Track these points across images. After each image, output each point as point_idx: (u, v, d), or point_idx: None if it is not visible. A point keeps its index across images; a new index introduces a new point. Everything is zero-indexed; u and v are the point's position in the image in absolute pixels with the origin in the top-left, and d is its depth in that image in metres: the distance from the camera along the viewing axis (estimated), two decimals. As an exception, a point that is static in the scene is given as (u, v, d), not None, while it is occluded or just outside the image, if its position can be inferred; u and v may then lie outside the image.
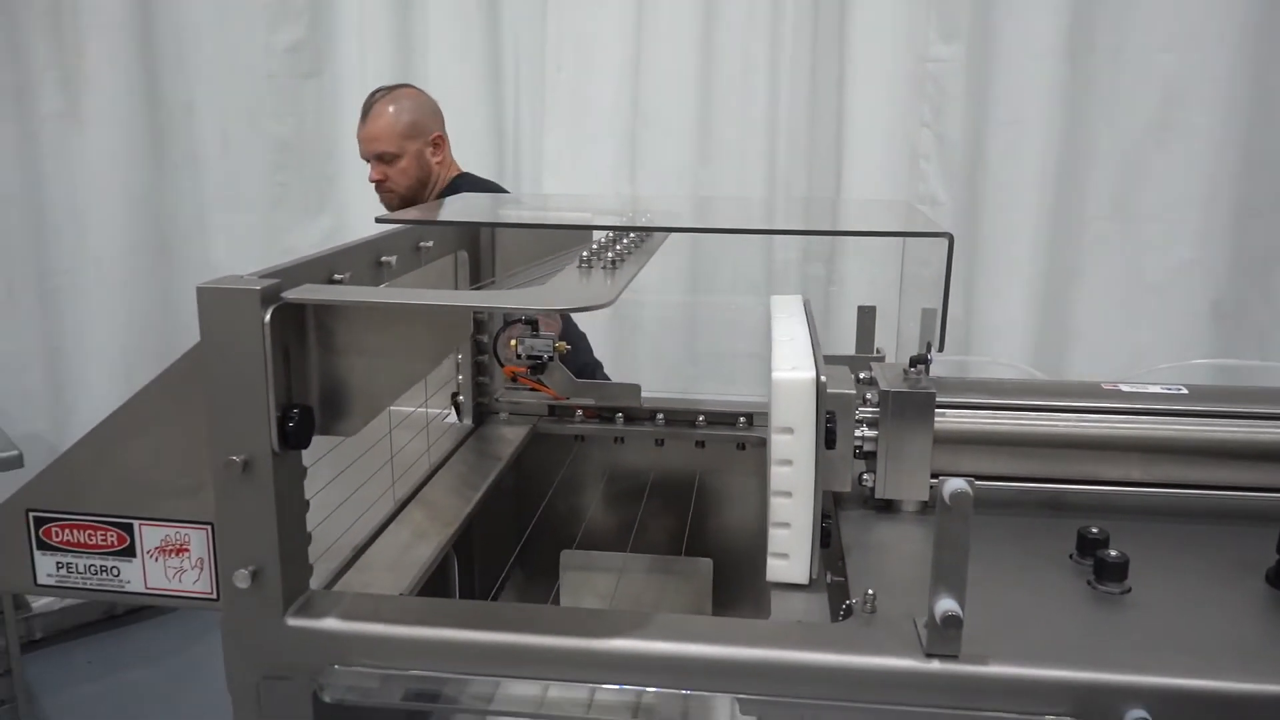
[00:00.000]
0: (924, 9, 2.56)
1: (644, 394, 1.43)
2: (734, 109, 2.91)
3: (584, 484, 1.41)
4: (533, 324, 1.37)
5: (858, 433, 1.04)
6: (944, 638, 0.76)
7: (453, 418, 1.43)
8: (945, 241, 1.02)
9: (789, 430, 0.90)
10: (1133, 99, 2.43)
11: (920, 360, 1.07)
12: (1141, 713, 0.75)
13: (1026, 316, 2.56)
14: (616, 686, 0.78)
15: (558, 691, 0.80)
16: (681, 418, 1.41)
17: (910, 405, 1.01)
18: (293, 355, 0.80)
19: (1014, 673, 0.77)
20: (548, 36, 3.09)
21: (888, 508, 1.07)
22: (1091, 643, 0.80)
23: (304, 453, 0.84)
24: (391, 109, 2.32)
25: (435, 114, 2.47)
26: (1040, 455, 1.04)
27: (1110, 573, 0.89)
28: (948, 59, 2.54)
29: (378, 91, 2.27)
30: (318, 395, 0.83)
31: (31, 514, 0.89)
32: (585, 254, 0.92)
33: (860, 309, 1.39)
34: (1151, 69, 2.41)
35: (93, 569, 0.89)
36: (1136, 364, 2.18)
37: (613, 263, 0.92)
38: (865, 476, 1.05)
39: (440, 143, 2.38)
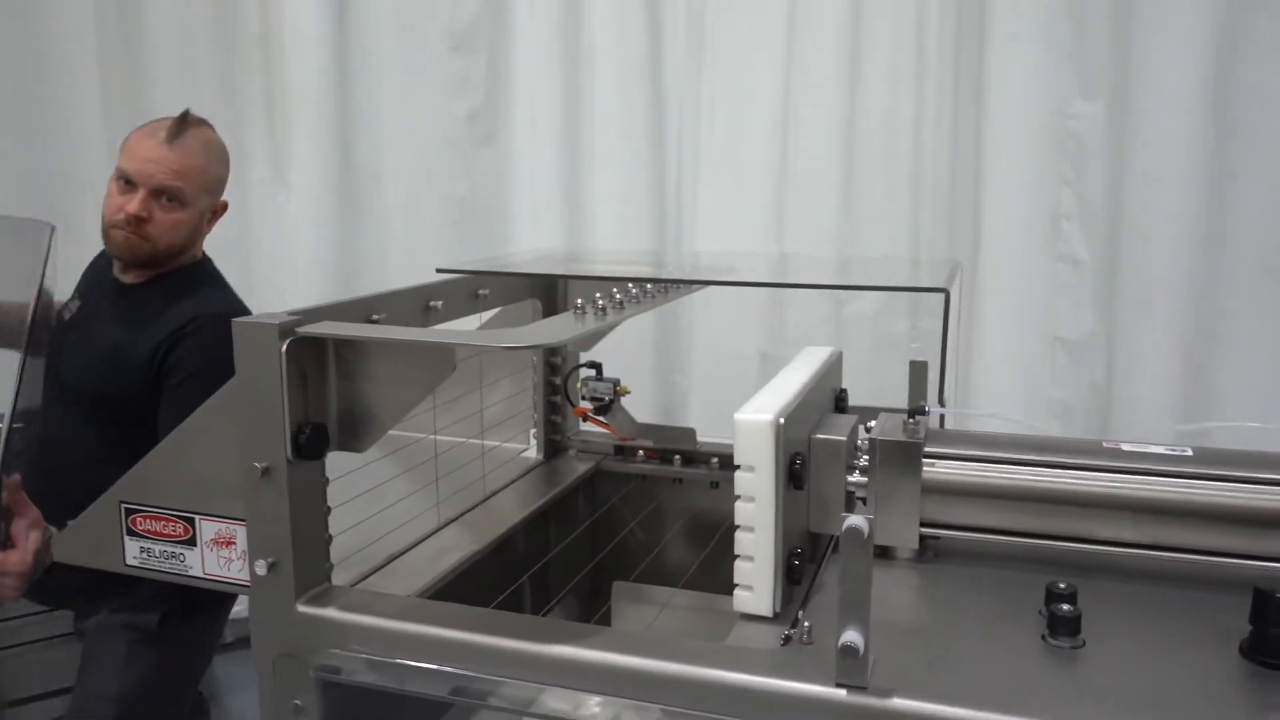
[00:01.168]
0: (1064, 65, 2.52)
1: (701, 439, 1.51)
2: (877, 168, 2.94)
3: (643, 521, 1.50)
4: (597, 368, 1.49)
5: (851, 479, 1.08)
6: (851, 668, 0.81)
7: (530, 451, 1.56)
8: (942, 297, 1.06)
9: (750, 468, 0.96)
10: (1280, 151, 2.30)
11: (918, 411, 1.10)
12: (1040, 759, 0.76)
13: (1168, 378, 2.44)
14: (547, 686, 0.86)
15: (511, 690, 0.90)
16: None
17: (897, 454, 1.05)
18: (311, 380, 0.95)
19: (917, 707, 0.80)
20: (702, 97, 3.25)
21: (884, 554, 1.10)
22: (1011, 690, 0.82)
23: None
24: (205, 148, 1.64)
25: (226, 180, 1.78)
26: (1031, 510, 1.04)
27: (1062, 626, 0.89)
28: (1088, 115, 2.49)
29: (190, 115, 1.62)
30: (335, 416, 0.98)
31: (123, 505, 1.08)
32: (580, 301, 1.03)
33: (912, 363, 1.41)
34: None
35: (165, 554, 1.07)
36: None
37: (603, 310, 1.02)
38: (858, 521, 1.09)
39: (217, 215, 1.72)
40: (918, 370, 1.43)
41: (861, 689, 0.81)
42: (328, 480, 1.01)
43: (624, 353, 3.14)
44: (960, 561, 1.08)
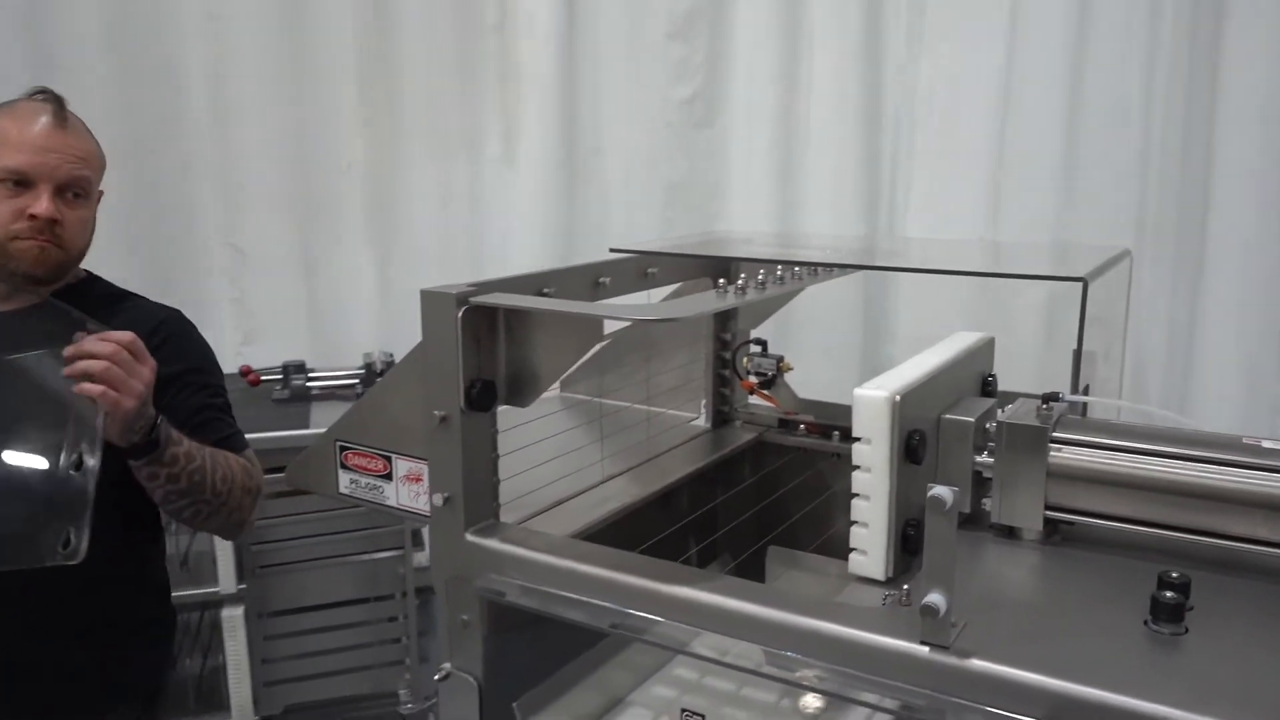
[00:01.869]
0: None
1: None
2: (1102, 153, 2.83)
3: (802, 492, 1.58)
4: (762, 344, 1.58)
5: (979, 459, 1.13)
6: (933, 627, 0.87)
7: (699, 420, 1.67)
8: (1080, 286, 1.08)
9: (866, 440, 1.03)
10: None
11: (1051, 398, 1.12)
12: (1105, 730, 0.80)
13: None
14: (661, 620, 0.98)
15: (632, 622, 1.02)
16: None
17: (1024, 437, 1.08)
18: (483, 342, 1.10)
19: (994, 670, 0.85)
20: (920, 79, 3.22)
21: (1010, 534, 1.13)
22: (1092, 664, 0.85)
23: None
24: (87, 129, 1.42)
25: None
26: (1158, 501, 1.05)
27: (1163, 612, 0.91)
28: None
29: (50, 93, 1.38)
30: (502, 374, 1.13)
31: (338, 443, 1.28)
32: (722, 281, 1.13)
33: (1074, 352, 1.42)
34: None
35: (368, 485, 1.26)
36: None
37: (743, 290, 1.12)
38: (985, 501, 1.13)
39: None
40: (1082, 359, 1.43)
41: (943, 648, 0.87)
42: (496, 430, 1.16)
43: (826, 331, 3.20)
44: (1085, 547, 1.10)
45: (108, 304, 1.46)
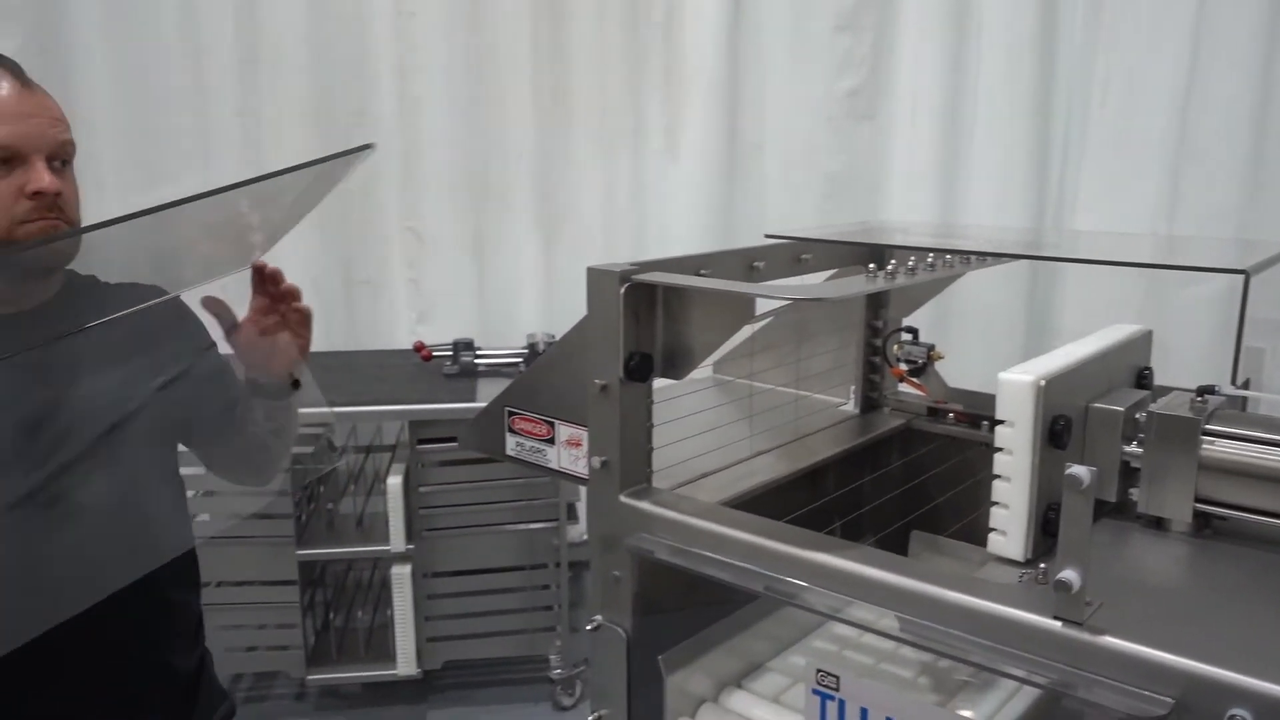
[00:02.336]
0: None
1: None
2: (1292, 146, 2.70)
3: (947, 479, 1.60)
4: (914, 332, 1.61)
5: (1127, 449, 1.13)
6: (1066, 602, 0.89)
7: (848, 405, 1.71)
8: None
9: (1008, 423, 1.06)
10: None
11: (1207, 390, 1.12)
12: (1243, 713, 0.81)
13: None
14: (805, 584, 1.03)
15: (772, 584, 1.07)
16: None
17: (1174, 428, 1.08)
18: (642, 318, 1.18)
19: (1127, 647, 0.87)
20: (1095, 72, 3.13)
21: (1157, 525, 1.13)
22: (1224, 648, 0.86)
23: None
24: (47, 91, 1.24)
25: None
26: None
27: (1310, 605, 0.91)
28: None
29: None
30: (659, 348, 1.20)
31: (506, 409, 1.39)
32: (872, 267, 1.17)
33: (1247, 349, 1.39)
34: None
35: (532, 449, 1.37)
36: None
37: (891, 275, 1.15)
38: (1132, 492, 1.13)
39: None
40: (1251, 356, 1.40)
41: (1076, 624, 0.89)
42: (652, 401, 1.24)
43: (986, 323, 3.15)
44: (1237, 541, 1.09)
45: (104, 292, 1.31)
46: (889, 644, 1.34)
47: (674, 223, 3.42)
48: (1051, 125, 3.29)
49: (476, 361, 2.89)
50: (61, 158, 1.21)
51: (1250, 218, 2.79)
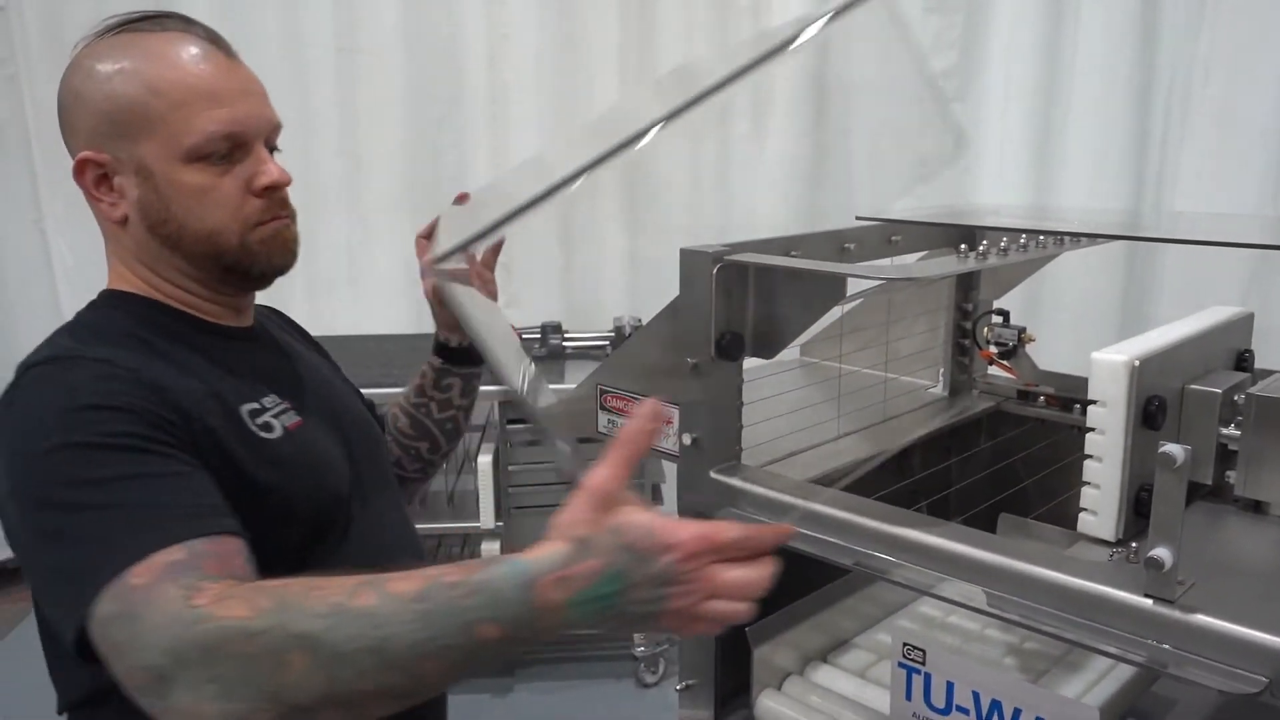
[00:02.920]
0: None
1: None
2: None
3: (1037, 462, 1.59)
4: (1005, 315, 1.60)
5: (1225, 431, 1.12)
6: (1157, 580, 0.90)
7: (937, 388, 1.71)
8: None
9: (1101, 403, 1.05)
10: None
11: (1308, 373, 1.10)
12: (1340, 693, 0.80)
13: None
14: (893, 560, 1.05)
15: (859, 559, 1.09)
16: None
17: (1272, 410, 1.07)
18: (734, 298, 1.21)
19: (1220, 626, 0.87)
20: (1198, 53, 3.04)
21: (1256, 508, 1.12)
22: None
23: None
24: None
25: None
26: None
27: None
28: None
29: (178, 16, 1.02)
30: (750, 327, 1.23)
31: (599, 386, 1.43)
32: (964, 247, 1.18)
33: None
34: None
35: (620, 427, 1.40)
36: None
37: (982, 255, 1.16)
38: (1229, 474, 1.12)
39: None
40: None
41: (1167, 602, 0.90)
42: (743, 380, 1.27)
43: (1081, 306, 3.09)
44: (1342, 526, 1.07)
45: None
46: (975, 625, 1.35)
47: (760, 206, 3.43)
48: (1151, 107, 3.21)
49: (564, 344, 2.94)
50: (273, 144, 1.05)
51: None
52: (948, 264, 1.13)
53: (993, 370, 1.67)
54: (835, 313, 1.63)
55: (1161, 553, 0.89)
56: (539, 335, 2.96)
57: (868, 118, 3.43)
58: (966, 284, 1.64)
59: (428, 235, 1.15)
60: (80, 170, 0.99)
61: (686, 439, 1.25)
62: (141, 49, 0.97)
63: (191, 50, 0.98)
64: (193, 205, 0.98)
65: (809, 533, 1.14)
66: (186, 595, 0.75)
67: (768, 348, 1.23)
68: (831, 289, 1.14)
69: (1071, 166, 3.28)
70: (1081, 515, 1.10)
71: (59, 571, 0.83)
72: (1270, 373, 1.23)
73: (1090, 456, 1.08)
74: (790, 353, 1.71)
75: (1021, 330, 1.57)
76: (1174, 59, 3.13)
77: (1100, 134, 3.19)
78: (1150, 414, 1.06)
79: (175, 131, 0.95)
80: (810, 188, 3.43)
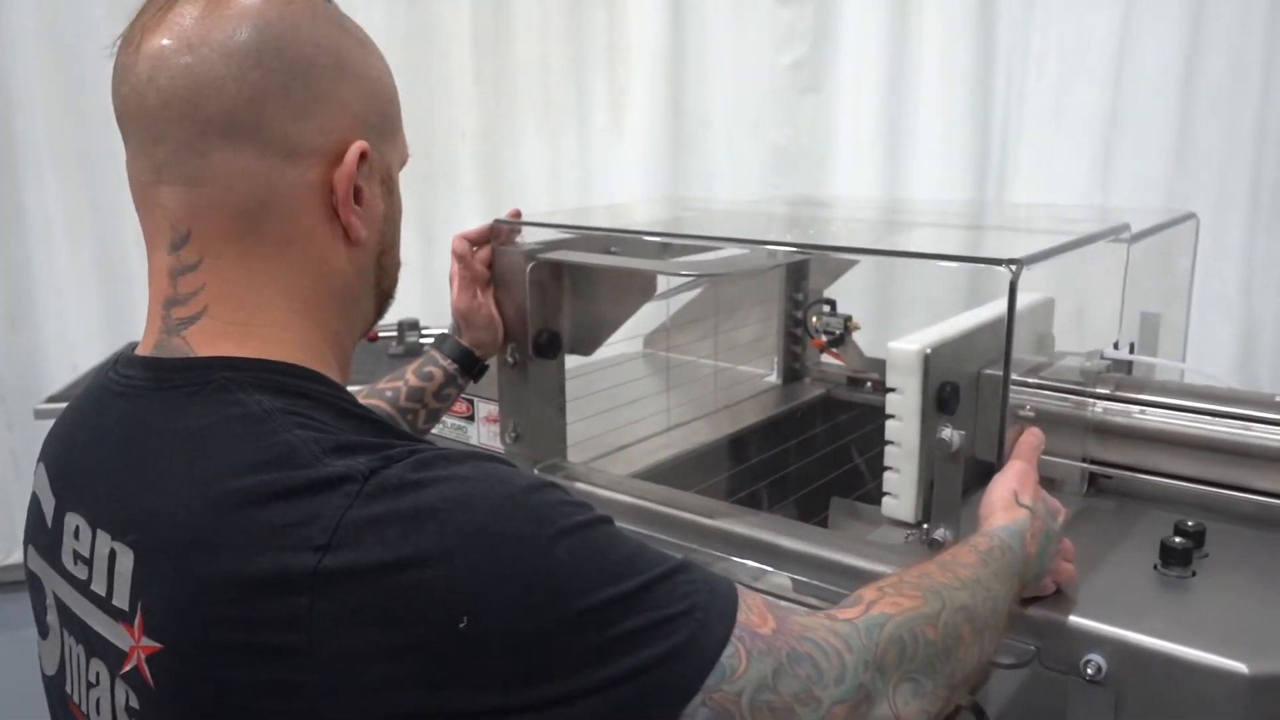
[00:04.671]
0: None
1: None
2: (1219, 118, 2.75)
3: (866, 446, 1.65)
4: (831, 303, 1.65)
5: (1022, 413, 1.17)
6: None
7: (772, 376, 1.75)
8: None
9: (897, 391, 1.10)
10: None
11: (1095, 356, 1.16)
12: (1098, 658, 0.86)
13: None
14: (696, 547, 1.07)
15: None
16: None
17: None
18: (549, 296, 1.21)
19: (995, 601, 0.91)
20: (1032, 43, 3.17)
21: (1050, 485, 1.17)
22: (1090, 599, 0.90)
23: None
24: None
25: None
26: (1189, 455, 1.08)
27: (1171, 556, 0.95)
28: None
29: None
30: (567, 325, 1.23)
31: (427, 386, 1.41)
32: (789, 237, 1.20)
33: (1144, 315, 1.44)
34: None
35: (455, 426, 1.39)
36: None
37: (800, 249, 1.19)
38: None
39: None
40: (1149, 320, 1.45)
41: (949, 580, 0.94)
42: (564, 377, 1.27)
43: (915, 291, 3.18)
44: (1122, 500, 1.14)
45: None
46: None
47: (621, 199, 3.44)
48: (992, 97, 3.33)
49: (422, 341, 2.90)
50: None
51: (1178, 186, 2.84)
52: (735, 262, 1.15)
53: (825, 358, 1.72)
54: (678, 303, 1.65)
55: (943, 533, 0.93)
56: (396, 333, 2.91)
57: (725, 108, 3.47)
58: (796, 274, 1.68)
59: (474, 239, 1.20)
60: (355, 163, 0.72)
61: (508, 437, 1.25)
62: (364, 29, 0.80)
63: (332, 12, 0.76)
64: (400, 231, 0.84)
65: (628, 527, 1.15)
66: (829, 617, 0.70)
67: (585, 345, 1.24)
68: (643, 286, 1.16)
69: (920, 157, 3.37)
70: (885, 499, 1.14)
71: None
72: (1067, 354, 1.29)
73: (890, 442, 1.12)
74: (633, 345, 1.73)
75: (848, 319, 1.62)
76: (1010, 51, 3.25)
77: (946, 124, 3.29)
78: (944, 399, 1.11)
79: (403, 140, 0.81)
80: (671, 177, 3.45)
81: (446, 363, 1.17)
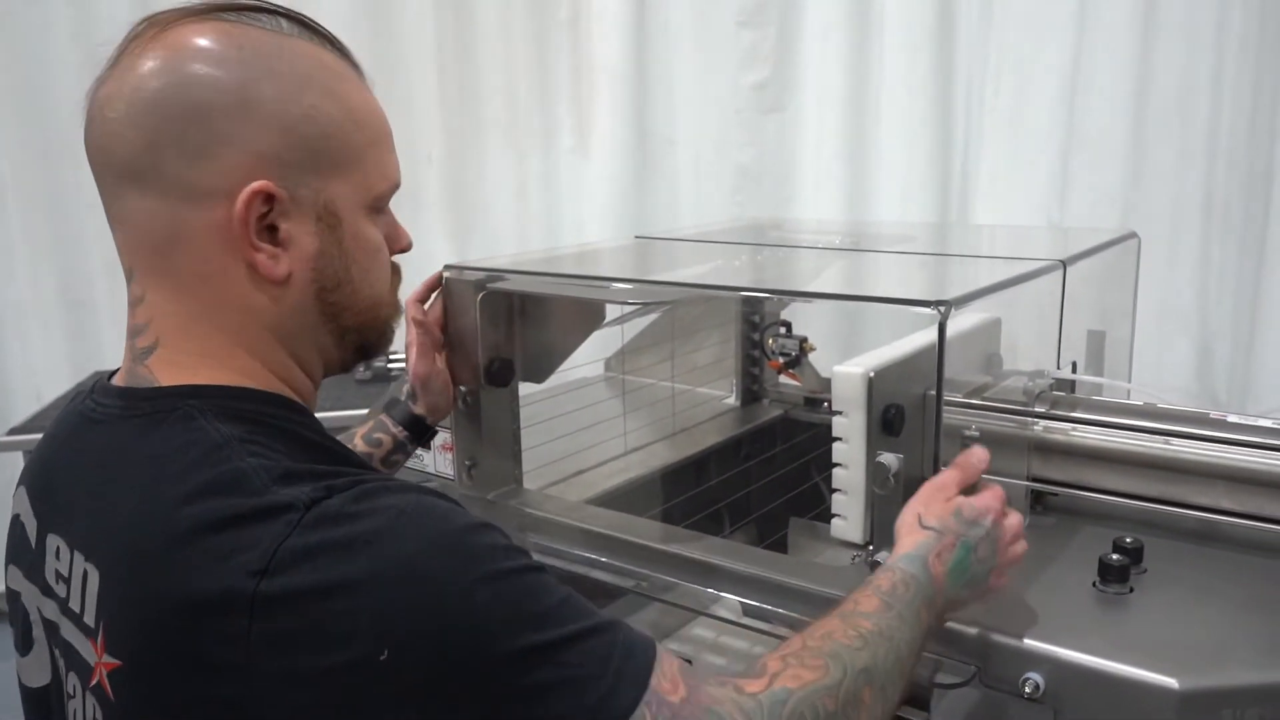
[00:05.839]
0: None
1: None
2: (1171, 132, 2.80)
3: (823, 466, 1.66)
4: (787, 325, 1.66)
5: (967, 433, 1.19)
6: (883, 582, 0.95)
7: (731, 398, 1.76)
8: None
9: (843, 414, 1.11)
10: None
11: (1038, 375, 1.19)
12: (1036, 677, 0.87)
13: None
14: (647, 571, 1.08)
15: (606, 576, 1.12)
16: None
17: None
18: (500, 324, 1.22)
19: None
20: (989, 61, 3.22)
21: (994, 504, 1.20)
22: (1030, 618, 0.92)
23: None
24: None
25: None
26: (1131, 473, 1.10)
27: (1109, 573, 0.97)
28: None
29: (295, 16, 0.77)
30: (519, 353, 1.24)
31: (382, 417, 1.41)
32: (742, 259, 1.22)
33: (1090, 333, 1.46)
34: None
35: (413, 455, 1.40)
36: None
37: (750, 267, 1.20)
38: (970, 472, 1.20)
39: None
40: (1094, 339, 1.47)
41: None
42: (518, 404, 1.28)
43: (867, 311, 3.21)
44: (1065, 516, 1.16)
45: None
46: (743, 643, 1.40)
47: (588, 220, 3.46)
48: (952, 116, 3.37)
49: (389, 366, 2.90)
50: None
51: (1134, 200, 2.89)
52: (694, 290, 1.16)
53: (783, 379, 1.74)
54: (636, 327, 1.66)
55: (884, 556, 0.94)
56: (364, 358, 2.91)
57: (689, 129, 3.50)
58: (753, 298, 1.70)
59: (424, 297, 1.20)
60: (248, 203, 0.70)
61: (462, 466, 1.26)
62: (317, 61, 0.75)
63: (359, 75, 0.79)
64: (368, 267, 0.79)
65: (573, 551, 1.16)
66: (737, 689, 0.71)
67: (537, 372, 1.25)
68: (591, 314, 1.17)
69: (883, 176, 3.41)
70: (834, 520, 1.15)
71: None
72: (1012, 373, 1.32)
73: (838, 464, 1.13)
74: (594, 369, 1.74)
75: (803, 340, 1.63)
76: (969, 71, 3.30)
77: (907, 144, 3.33)
78: (888, 421, 1.12)
79: (368, 174, 0.77)
80: (637, 197, 3.47)
81: (397, 430, 1.15)
